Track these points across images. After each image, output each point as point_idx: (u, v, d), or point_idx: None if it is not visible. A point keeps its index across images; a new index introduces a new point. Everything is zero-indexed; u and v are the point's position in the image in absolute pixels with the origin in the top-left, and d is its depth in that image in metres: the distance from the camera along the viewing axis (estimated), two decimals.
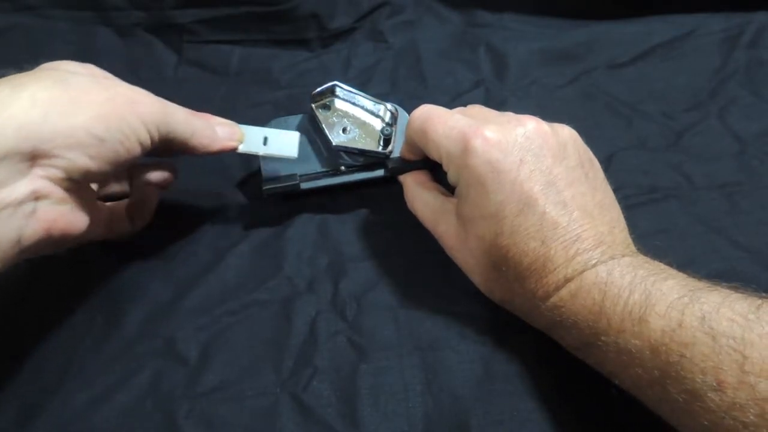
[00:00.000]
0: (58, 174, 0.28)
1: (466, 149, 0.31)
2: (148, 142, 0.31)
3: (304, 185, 0.41)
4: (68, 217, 0.29)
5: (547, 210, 0.30)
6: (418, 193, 0.38)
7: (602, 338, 0.27)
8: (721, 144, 0.45)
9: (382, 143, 0.41)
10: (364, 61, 0.55)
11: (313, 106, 0.40)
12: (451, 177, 0.34)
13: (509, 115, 0.34)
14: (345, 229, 0.41)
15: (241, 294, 0.38)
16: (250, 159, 0.43)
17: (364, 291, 0.38)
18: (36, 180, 0.27)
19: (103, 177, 0.30)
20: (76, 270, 0.39)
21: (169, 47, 0.56)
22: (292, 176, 0.40)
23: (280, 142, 0.38)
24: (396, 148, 0.41)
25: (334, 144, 0.40)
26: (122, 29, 0.57)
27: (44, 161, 0.27)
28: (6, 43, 0.56)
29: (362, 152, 0.41)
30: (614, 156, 0.45)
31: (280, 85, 0.54)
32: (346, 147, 0.40)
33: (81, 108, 0.27)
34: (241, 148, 0.37)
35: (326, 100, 0.41)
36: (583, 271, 0.28)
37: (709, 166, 0.44)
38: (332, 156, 0.41)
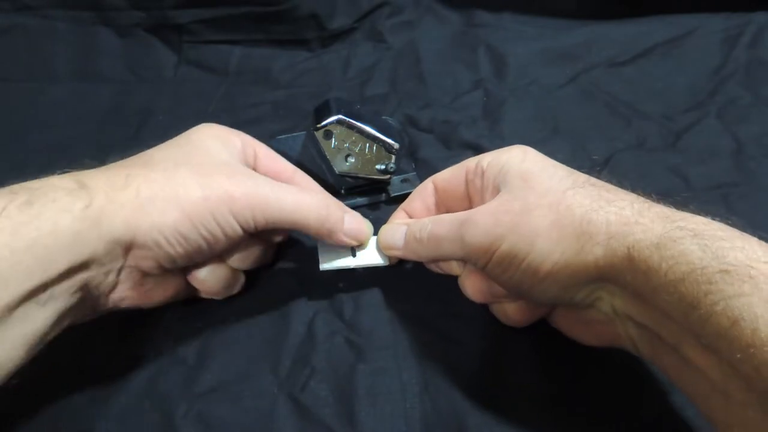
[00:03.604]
0: (146, 262, 0.30)
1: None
2: (239, 232, 0.32)
3: None
4: (135, 297, 0.32)
5: None
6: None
7: None
8: (719, 144, 0.45)
9: (384, 168, 0.41)
10: (363, 61, 0.55)
11: (315, 133, 0.40)
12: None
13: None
14: None
15: (239, 294, 0.38)
16: None
17: (362, 291, 0.38)
18: (127, 265, 0.30)
19: (187, 263, 0.32)
20: None
21: (168, 47, 0.57)
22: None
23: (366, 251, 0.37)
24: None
25: (337, 172, 0.41)
26: (122, 29, 0.57)
27: (137, 250, 0.30)
28: (6, 43, 0.56)
29: (365, 179, 0.41)
30: (613, 157, 0.45)
31: (280, 85, 0.54)
32: (348, 174, 0.41)
33: (176, 206, 0.30)
34: (326, 266, 0.36)
35: (329, 128, 0.41)
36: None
37: (707, 167, 0.44)
38: (335, 177, 0.42)
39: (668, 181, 0.43)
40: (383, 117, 0.45)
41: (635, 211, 0.27)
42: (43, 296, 0.26)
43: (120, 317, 0.37)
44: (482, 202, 0.33)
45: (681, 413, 0.31)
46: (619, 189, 0.29)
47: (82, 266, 0.28)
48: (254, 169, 0.36)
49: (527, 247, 0.28)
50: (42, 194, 0.27)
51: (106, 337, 0.36)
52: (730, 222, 0.26)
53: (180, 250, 0.30)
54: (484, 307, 0.35)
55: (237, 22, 0.56)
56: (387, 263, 0.36)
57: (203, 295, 0.36)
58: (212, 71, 0.55)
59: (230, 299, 0.37)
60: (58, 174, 0.29)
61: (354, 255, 0.36)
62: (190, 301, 0.37)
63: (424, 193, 0.36)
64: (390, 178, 0.42)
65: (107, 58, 0.56)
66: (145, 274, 0.31)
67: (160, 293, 0.34)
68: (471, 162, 0.34)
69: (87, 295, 0.29)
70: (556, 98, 0.51)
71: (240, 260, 0.35)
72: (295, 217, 0.33)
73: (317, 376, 0.34)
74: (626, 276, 0.26)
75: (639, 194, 0.29)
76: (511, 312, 0.34)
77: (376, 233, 0.37)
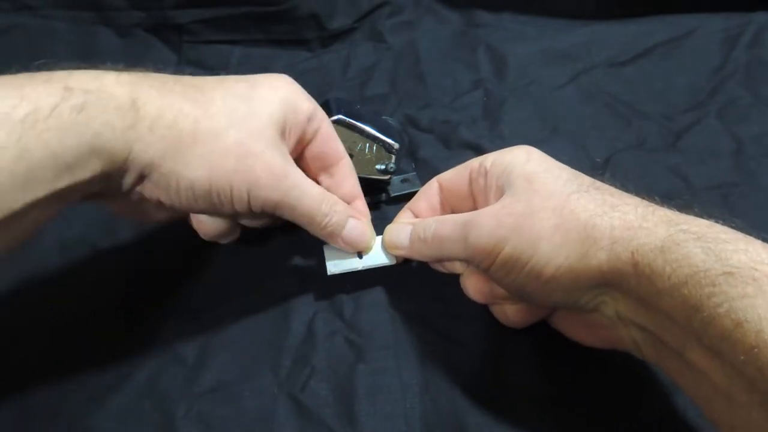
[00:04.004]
0: (151, 194, 0.30)
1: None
2: (245, 209, 0.31)
3: None
4: (133, 211, 0.33)
5: None
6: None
7: None
8: (719, 144, 0.45)
9: (384, 168, 0.41)
10: (363, 61, 0.55)
11: None
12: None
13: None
14: None
15: (238, 294, 0.38)
16: None
17: (362, 291, 0.38)
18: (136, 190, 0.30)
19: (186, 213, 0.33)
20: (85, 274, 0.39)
21: (168, 47, 0.57)
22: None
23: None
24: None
25: None
26: (122, 29, 0.57)
27: (149, 183, 0.29)
28: (6, 43, 0.56)
29: (365, 179, 0.41)
30: (613, 157, 0.45)
31: None
32: None
33: (204, 166, 0.29)
34: (333, 271, 0.36)
35: None
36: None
37: (707, 167, 0.44)
38: None
39: (668, 181, 0.43)
40: (383, 117, 0.45)
41: (639, 215, 0.27)
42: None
43: (119, 317, 0.37)
44: (486, 202, 0.33)
45: (682, 414, 0.31)
46: (624, 193, 0.29)
47: (103, 175, 0.28)
48: (307, 146, 0.35)
49: (530, 250, 0.28)
50: (96, 102, 0.27)
51: (106, 336, 0.36)
52: (733, 225, 0.26)
53: (184, 201, 0.30)
54: (484, 308, 0.35)
55: (237, 22, 0.56)
56: (393, 262, 0.36)
57: (201, 236, 0.36)
58: (212, 71, 0.55)
59: (230, 299, 0.37)
60: (115, 71, 0.29)
61: (360, 257, 0.36)
62: (190, 300, 0.37)
63: (429, 193, 0.37)
64: (390, 178, 0.42)
65: (107, 58, 0.55)
66: (145, 204, 0.31)
67: (156, 216, 0.34)
68: (475, 162, 0.34)
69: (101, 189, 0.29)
70: (556, 98, 0.51)
71: (248, 222, 0.36)
72: (295, 213, 0.32)
73: (317, 376, 0.34)
74: (630, 281, 0.26)
75: (642, 197, 0.29)
76: (511, 313, 0.34)
77: (381, 233, 0.37)
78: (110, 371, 0.34)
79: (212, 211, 0.32)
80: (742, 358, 0.22)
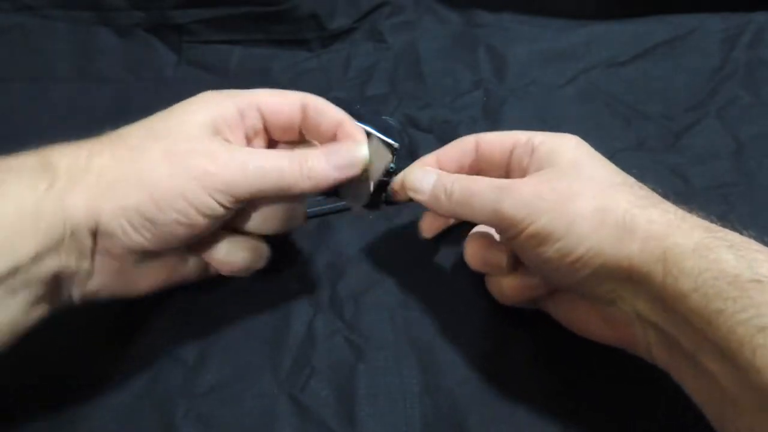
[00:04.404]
0: (117, 250, 0.29)
1: None
2: (219, 211, 0.29)
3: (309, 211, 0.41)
4: (117, 285, 0.31)
5: None
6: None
7: None
8: (719, 144, 0.45)
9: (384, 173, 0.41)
10: (363, 61, 0.55)
11: None
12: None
13: None
14: (344, 230, 0.41)
15: (238, 294, 0.38)
16: None
17: (362, 291, 0.38)
18: (99, 251, 0.29)
19: (165, 250, 0.30)
20: None
21: (168, 47, 0.57)
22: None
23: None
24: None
25: None
26: (122, 29, 0.57)
27: (103, 239, 0.28)
28: (6, 43, 0.56)
29: None
30: (613, 158, 0.44)
31: (280, 85, 0.53)
32: None
33: (139, 187, 0.27)
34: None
35: None
36: None
37: (707, 167, 0.44)
38: None
39: (668, 181, 0.43)
40: (383, 117, 0.45)
41: (678, 216, 0.27)
42: (13, 282, 0.25)
43: (119, 317, 0.37)
44: (522, 177, 0.32)
45: (684, 416, 0.31)
46: (663, 199, 0.30)
47: (51, 250, 0.26)
48: (265, 130, 0.33)
49: (565, 227, 0.28)
50: (12, 174, 0.26)
51: (106, 337, 0.36)
52: (731, 226, 0.26)
53: (148, 235, 0.28)
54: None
55: (237, 22, 0.56)
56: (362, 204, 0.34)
57: (224, 273, 0.34)
58: (212, 71, 0.55)
59: (230, 299, 0.37)
60: (30, 151, 0.28)
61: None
62: (190, 300, 0.37)
63: (464, 149, 0.35)
64: (390, 178, 0.42)
65: (107, 58, 0.56)
66: (123, 261, 0.29)
67: (147, 280, 0.32)
68: (522, 135, 0.33)
69: (61, 283, 0.28)
70: (556, 98, 0.51)
71: (260, 224, 0.33)
72: (272, 186, 0.30)
73: (317, 376, 0.34)
74: (656, 278, 0.26)
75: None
76: (507, 287, 0.34)
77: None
78: (110, 371, 0.34)
79: (189, 233, 0.29)
80: (759, 364, 0.22)
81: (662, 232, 0.26)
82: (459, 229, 0.38)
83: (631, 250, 0.27)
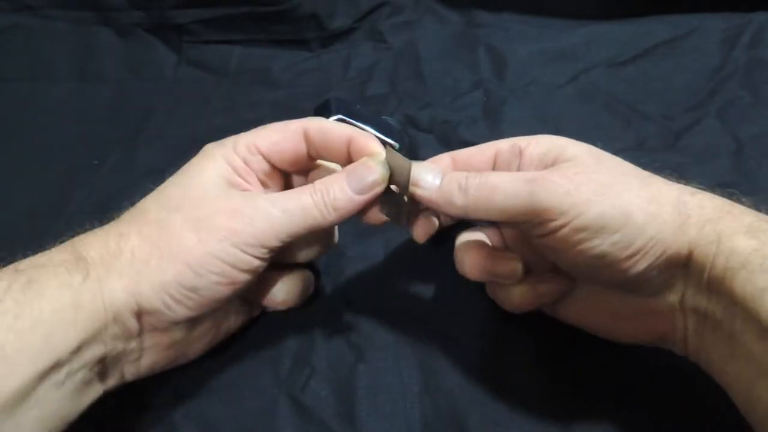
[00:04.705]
0: (163, 324, 0.29)
1: None
2: (255, 263, 0.29)
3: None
4: (169, 357, 0.31)
5: None
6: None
7: None
8: (718, 144, 0.45)
9: None
10: (363, 61, 0.55)
11: None
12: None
13: None
14: (344, 230, 0.41)
15: None
16: None
17: (363, 291, 0.38)
18: (147, 331, 0.29)
19: (213, 311, 0.30)
20: None
21: (168, 47, 0.57)
22: None
23: None
24: None
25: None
26: (122, 29, 0.57)
27: (148, 317, 0.28)
28: (6, 43, 0.56)
29: None
30: None
31: (280, 85, 0.54)
32: None
33: (172, 260, 0.27)
34: None
35: None
36: None
37: (706, 167, 0.44)
38: None
39: None
40: (383, 117, 0.45)
41: (726, 201, 0.27)
42: (58, 376, 0.25)
43: None
44: None
45: (686, 419, 0.31)
46: None
47: (94, 339, 0.26)
48: (275, 168, 0.32)
49: (622, 218, 0.26)
50: (43, 271, 0.26)
51: None
52: None
53: (191, 303, 0.28)
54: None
55: (237, 22, 0.56)
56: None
57: (279, 309, 0.35)
58: (212, 71, 0.55)
59: None
60: (59, 244, 0.28)
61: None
62: None
63: (440, 164, 0.32)
64: None
65: (107, 58, 0.56)
66: (172, 333, 0.30)
67: (198, 344, 0.32)
68: (503, 144, 0.32)
69: (109, 366, 0.28)
70: (556, 98, 0.51)
71: (301, 255, 0.34)
72: (300, 226, 0.29)
73: (317, 376, 0.34)
74: (708, 260, 0.26)
75: None
76: (517, 296, 0.32)
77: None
78: None
79: (231, 290, 0.29)
80: None
81: (715, 216, 0.26)
82: (459, 228, 0.38)
83: (690, 237, 0.26)
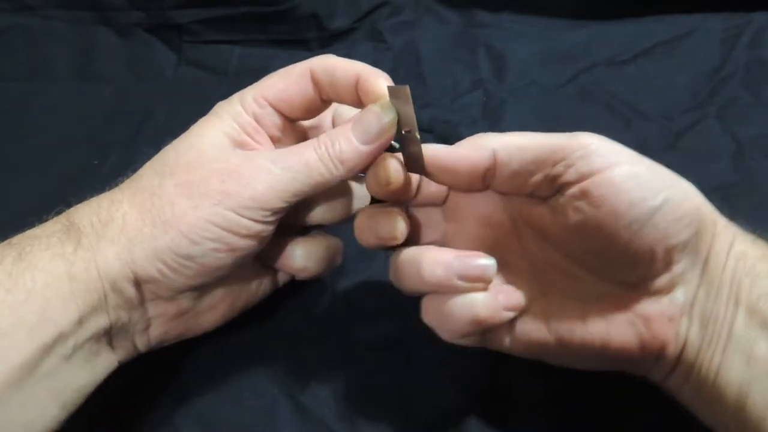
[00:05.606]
0: (165, 293, 0.28)
1: None
2: (256, 228, 0.27)
3: None
4: (180, 327, 0.30)
5: None
6: None
7: None
8: (718, 145, 0.45)
9: None
10: (363, 61, 0.55)
11: None
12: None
13: None
14: (344, 230, 0.41)
15: None
16: None
17: (362, 290, 0.38)
18: (149, 299, 0.28)
19: (214, 279, 0.28)
20: None
21: (168, 47, 0.57)
22: None
23: None
24: None
25: None
26: (122, 29, 0.57)
27: (148, 285, 0.27)
28: (6, 43, 0.56)
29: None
30: None
31: None
32: None
33: (165, 227, 0.26)
34: None
35: None
36: None
37: (706, 168, 0.44)
38: None
39: None
40: None
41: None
42: (64, 349, 0.25)
43: None
44: None
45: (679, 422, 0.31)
46: None
47: (95, 309, 0.26)
48: (288, 119, 0.30)
49: (668, 177, 0.26)
50: (36, 242, 0.25)
51: None
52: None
53: (188, 272, 0.27)
54: None
55: (237, 22, 0.56)
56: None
57: (303, 279, 0.32)
58: (212, 71, 0.55)
59: None
60: (53, 215, 0.28)
61: None
62: None
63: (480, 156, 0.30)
64: None
65: (107, 58, 0.56)
66: (178, 303, 0.29)
67: (211, 315, 0.31)
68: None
69: (117, 339, 0.28)
70: (556, 98, 0.51)
71: (321, 217, 0.31)
72: (305, 184, 0.27)
73: (317, 376, 0.34)
74: (722, 261, 0.26)
75: None
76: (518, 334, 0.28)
77: None
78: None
79: (233, 258, 0.27)
80: None
81: (727, 222, 0.27)
82: None
83: (715, 215, 0.27)
